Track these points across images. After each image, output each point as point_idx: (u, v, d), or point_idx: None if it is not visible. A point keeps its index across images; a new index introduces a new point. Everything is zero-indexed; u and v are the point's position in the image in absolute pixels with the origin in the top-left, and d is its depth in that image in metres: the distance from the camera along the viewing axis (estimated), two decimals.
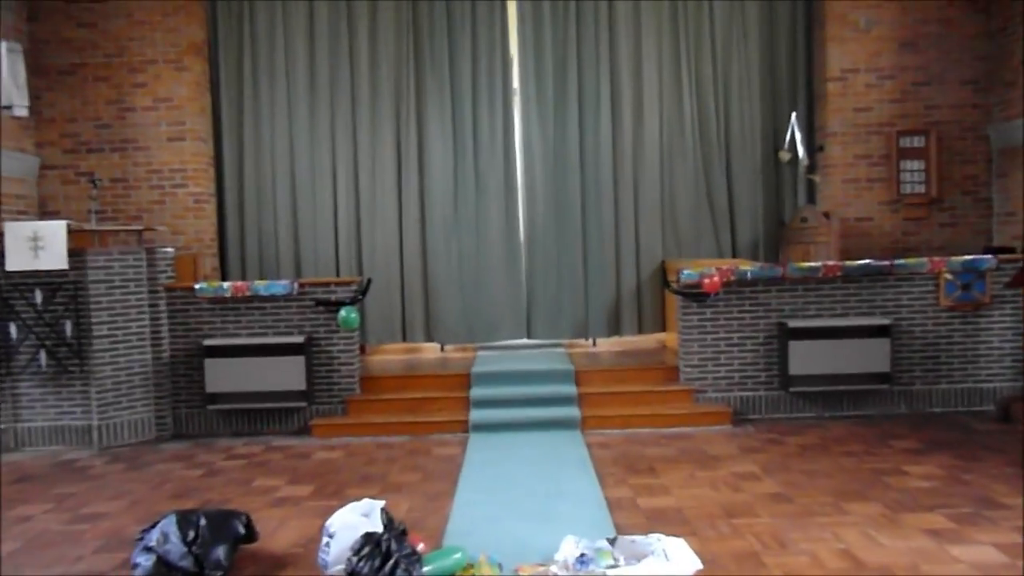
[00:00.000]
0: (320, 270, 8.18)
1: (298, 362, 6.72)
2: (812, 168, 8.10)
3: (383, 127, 8.17)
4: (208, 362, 6.72)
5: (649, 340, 8.61)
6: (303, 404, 6.78)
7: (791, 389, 6.70)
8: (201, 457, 6.21)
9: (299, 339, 6.74)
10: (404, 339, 8.34)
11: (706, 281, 6.64)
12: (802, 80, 8.21)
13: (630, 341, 8.58)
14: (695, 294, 6.77)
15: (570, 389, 6.88)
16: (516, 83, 8.27)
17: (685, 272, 6.80)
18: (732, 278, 6.75)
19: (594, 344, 8.58)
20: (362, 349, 8.30)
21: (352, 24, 8.13)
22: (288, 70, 8.14)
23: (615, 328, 8.31)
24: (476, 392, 6.89)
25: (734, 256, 8.35)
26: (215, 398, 6.76)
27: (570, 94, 8.18)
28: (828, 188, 7.92)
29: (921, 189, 7.73)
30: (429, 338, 8.34)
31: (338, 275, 8.21)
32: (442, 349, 8.52)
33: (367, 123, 8.17)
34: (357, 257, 8.27)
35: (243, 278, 8.16)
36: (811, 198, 8.25)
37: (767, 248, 8.36)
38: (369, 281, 7.21)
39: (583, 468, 5.51)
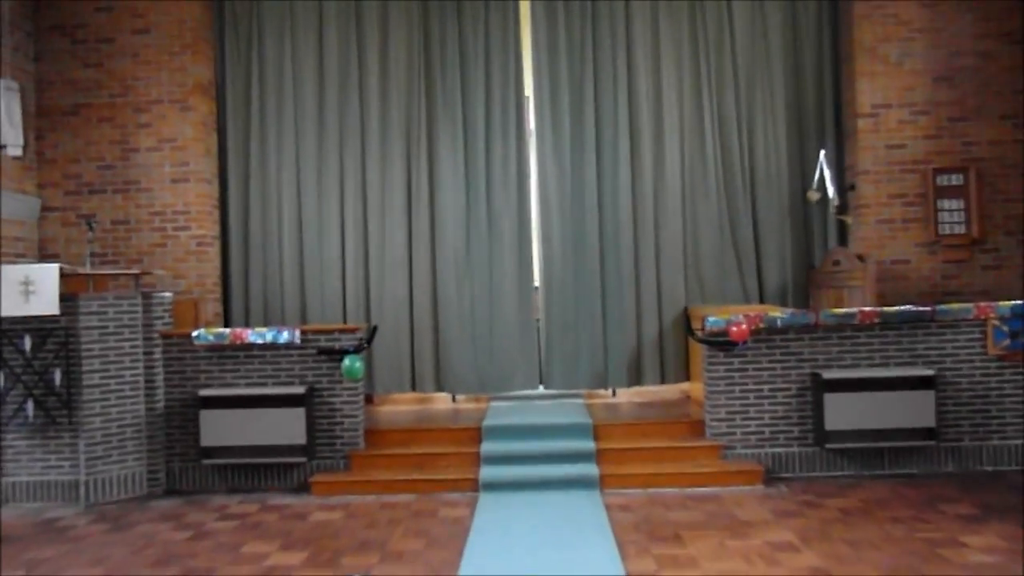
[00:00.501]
0: (327, 316, 7.83)
1: (299, 414, 6.33)
2: (843, 208, 7.68)
3: (393, 167, 7.89)
4: (204, 414, 6.34)
5: (672, 391, 8.13)
6: (303, 459, 6.36)
7: (827, 446, 6.19)
8: (191, 516, 5.79)
9: (300, 390, 6.36)
10: (413, 388, 7.93)
11: (733, 329, 6.20)
12: (830, 116, 7.84)
13: (651, 391, 8.10)
14: (722, 343, 6.33)
15: (588, 444, 6.41)
16: (531, 122, 7.98)
17: (711, 319, 6.36)
18: (761, 325, 6.31)
19: (613, 394, 8.11)
20: (369, 399, 7.93)
21: (362, 63, 7.91)
22: (296, 110, 7.92)
23: (636, 378, 7.85)
24: (487, 447, 6.44)
25: (761, 302, 7.90)
26: (210, 452, 6.37)
27: (587, 132, 7.87)
28: (861, 229, 7.48)
29: (961, 229, 7.28)
30: (439, 387, 7.92)
31: (345, 321, 7.87)
32: (453, 399, 8.09)
33: (376, 163, 7.90)
34: (365, 302, 7.92)
35: (247, 324, 7.83)
36: (842, 240, 7.81)
37: (796, 293, 7.91)
38: (375, 328, 6.84)
39: (602, 535, 5.02)
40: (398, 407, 7.93)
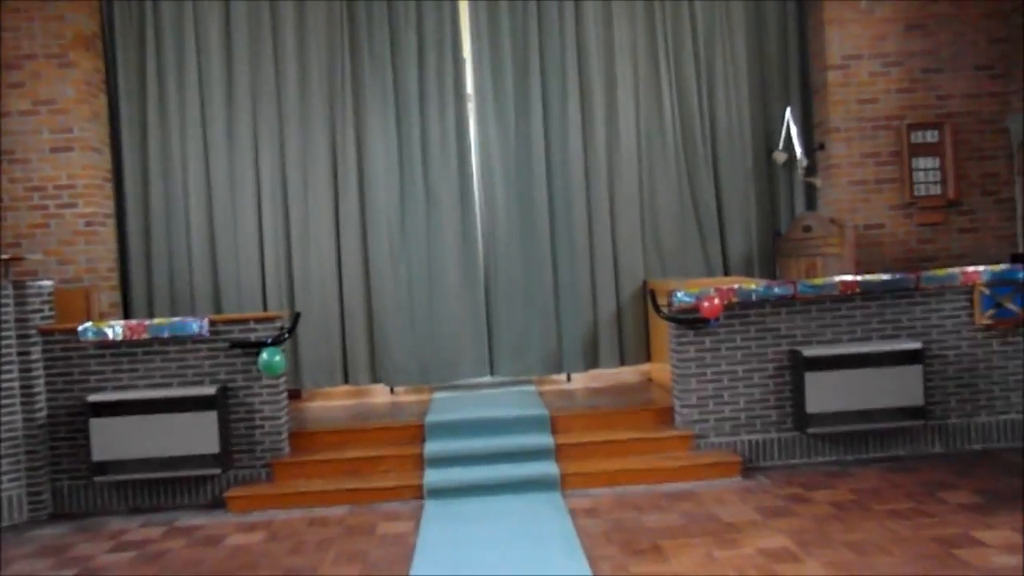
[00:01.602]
0: (244, 303, 6.89)
1: (209, 419, 5.41)
2: (811, 170, 7.09)
3: (315, 134, 6.95)
4: (95, 422, 5.37)
5: (631, 373, 7.49)
6: (216, 470, 5.46)
7: (809, 430, 5.60)
8: (79, 548, 4.85)
9: (210, 390, 5.44)
10: (346, 381, 7.07)
11: (704, 304, 5.53)
12: (795, 69, 7.22)
13: (610, 375, 7.43)
14: (691, 320, 5.66)
15: (545, 439, 5.68)
16: (470, 82, 7.13)
17: (679, 295, 5.68)
18: (734, 300, 5.66)
19: (568, 380, 7.40)
20: (297, 394, 7.05)
21: (276, 15, 6.92)
22: (200, 67, 6.89)
23: (593, 360, 7.15)
24: (432, 447, 5.65)
25: (726, 273, 7.28)
26: (104, 467, 5.41)
27: (532, 93, 7.07)
28: (832, 192, 6.90)
29: (937, 190, 6.77)
30: (375, 379, 7.08)
31: (265, 308, 6.94)
32: (392, 391, 7.27)
33: (296, 127, 6.95)
34: (288, 287, 6.99)
35: (150, 315, 6.83)
36: (811, 204, 7.24)
37: (762, 263, 7.31)
38: (298, 315, 5.95)
39: (568, 549, 4.30)
40: (329, 402, 7.07)
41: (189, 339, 5.56)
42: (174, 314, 6.85)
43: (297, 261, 6.94)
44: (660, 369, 6.91)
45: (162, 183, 6.88)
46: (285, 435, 5.73)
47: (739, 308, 5.71)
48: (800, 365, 5.59)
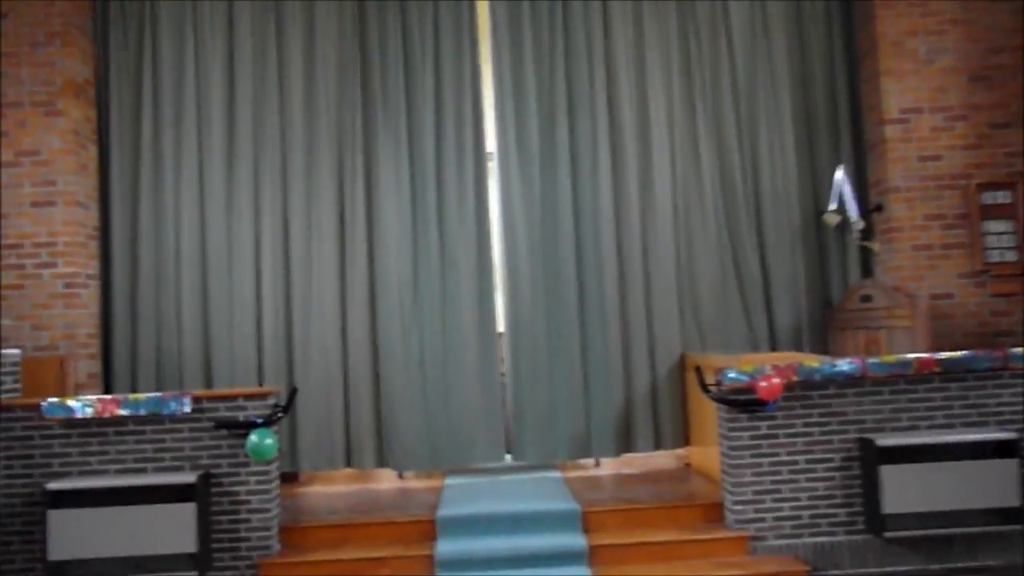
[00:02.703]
0: (238, 377, 6.20)
1: (187, 511, 4.67)
2: (868, 233, 6.42)
3: (321, 190, 6.37)
4: (53, 515, 4.63)
5: (667, 458, 6.72)
6: (193, 574, 4.67)
7: (886, 534, 4.77)
8: None
9: (190, 478, 4.70)
10: (348, 464, 6.30)
11: (762, 384, 4.79)
12: (846, 124, 6.61)
13: (642, 460, 6.67)
14: (745, 402, 4.91)
15: (576, 540, 4.88)
16: (492, 136, 6.58)
17: (731, 373, 4.95)
18: (794, 379, 4.92)
19: (597, 464, 6.61)
20: (293, 477, 6.30)
21: (283, 62, 6.44)
22: (200, 118, 6.37)
23: (625, 444, 6.36)
24: (444, 548, 4.85)
25: (772, 347, 6.55)
26: (63, 568, 4.64)
27: (559, 149, 6.48)
28: (892, 258, 6.20)
29: (1012, 256, 6.06)
30: (381, 462, 6.30)
31: (261, 382, 6.24)
32: (400, 476, 6.49)
33: (301, 185, 6.37)
34: (287, 358, 6.30)
35: (133, 387, 6.15)
36: (867, 271, 6.54)
37: (812, 336, 6.57)
38: (294, 391, 5.25)
39: None
40: (329, 488, 6.29)
41: (169, 418, 4.86)
42: (160, 387, 6.17)
43: (298, 330, 6.27)
44: (701, 454, 6.13)
45: (152, 242, 6.28)
46: (275, 530, 4.96)
47: (799, 388, 4.97)
48: (873, 456, 4.81)
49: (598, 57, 6.51)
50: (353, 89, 6.42)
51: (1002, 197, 6.08)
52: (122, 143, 6.32)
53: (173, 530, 4.65)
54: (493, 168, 6.59)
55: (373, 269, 6.36)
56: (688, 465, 6.49)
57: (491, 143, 6.60)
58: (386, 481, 6.43)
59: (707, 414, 5.81)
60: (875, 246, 6.38)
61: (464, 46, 6.51)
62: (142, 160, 6.30)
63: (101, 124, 6.33)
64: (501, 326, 6.47)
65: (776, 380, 4.79)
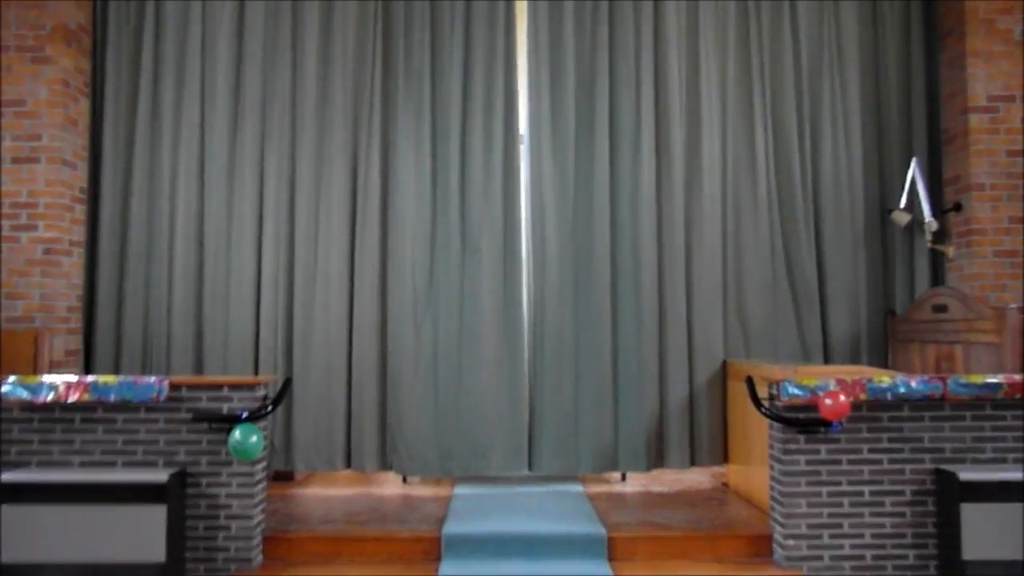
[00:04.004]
0: (231, 362, 5.61)
1: (156, 514, 4.07)
2: (941, 236, 5.70)
3: (333, 162, 5.76)
4: (7, 511, 4.06)
5: (701, 475, 6.05)
6: None
7: None
8: None
9: (161, 476, 4.10)
10: (349, 465, 5.69)
11: (826, 402, 4.10)
12: (920, 112, 5.89)
13: (673, 476, 6.01)
14: (806, 422, 4.23)
15: (601, 570, 4.23)
16: (524, 112, 5.93)
17: (789, 386, 4.26)
18: (862, 397, 4.23)
19: (623, 479, 5.96)
20: (289, 476, 5.71)
21: (298, 15, 5.83)
22: (204, 77, 5.79)
23: (657, 458, 5.70)
24: (448, 571, 4.22)
25: (826, 359, 5.86)
26: (16, 573, 4.07)
27: (598, 128, 5.82)
28: (970, 264, 5.48)
29: None
30: (385, 465, 5.69)
31: (257, 368, 5.65)
32: (405, 481, 5.88)
33: (311, 155, 5.77)
34: (286, 344, 5.70)
35: (116, 368, 5.58)
36: (937, 278, 5.82)
37: (872, 348, 5.87)
38: (288, 382, 4.62)
39: None
40: (327, 490, 5.68)
41: (143, 405, 4.27)
42: (145, 370, 5.60)
43: (299, 313, 5.67)
44: (741, 474, 5.46)
45: (145, 209, 5.71)
46: (257, 540, 4.36)
47: (867, 409, 4.29)
48: (953, 492, 4.11)
49: (646, 26, 5.84)
50: (373, 53, 5.80)
51: None
52: (117, 99, 5.75)
53: (140, 535, 4.06)
54: (524, 147, 5.94)
55: (386, 252, 5.74)
56: (726, 485, 5.82)
57: (523, 119, 5.95)
58: (389, 486, 5.82)
59: (752, 430, 5.16)
60: (949, 250, 5.66)
61: (498, 9, 5.87)
62: (138, 119, 5.73)
63: (95, 76, 5.76)
64: (526, 323, 5.82)
65: (843, 398, 4.10)
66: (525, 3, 5.91)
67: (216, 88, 5.74)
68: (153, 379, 4.26)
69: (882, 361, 5.84)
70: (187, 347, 5.64)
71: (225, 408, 4.31)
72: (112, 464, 4.26)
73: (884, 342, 5.89)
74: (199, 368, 5.62)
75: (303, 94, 5.76)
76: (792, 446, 4.30)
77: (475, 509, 4.95)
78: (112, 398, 4.22)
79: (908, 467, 4.28)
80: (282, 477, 5.93)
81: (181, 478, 4.22)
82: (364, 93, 5.80)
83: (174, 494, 4.13)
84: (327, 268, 5.68)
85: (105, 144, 5.71)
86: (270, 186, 5.72)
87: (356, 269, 5.70)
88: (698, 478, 6.06)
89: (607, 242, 5.76)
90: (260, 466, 4.41)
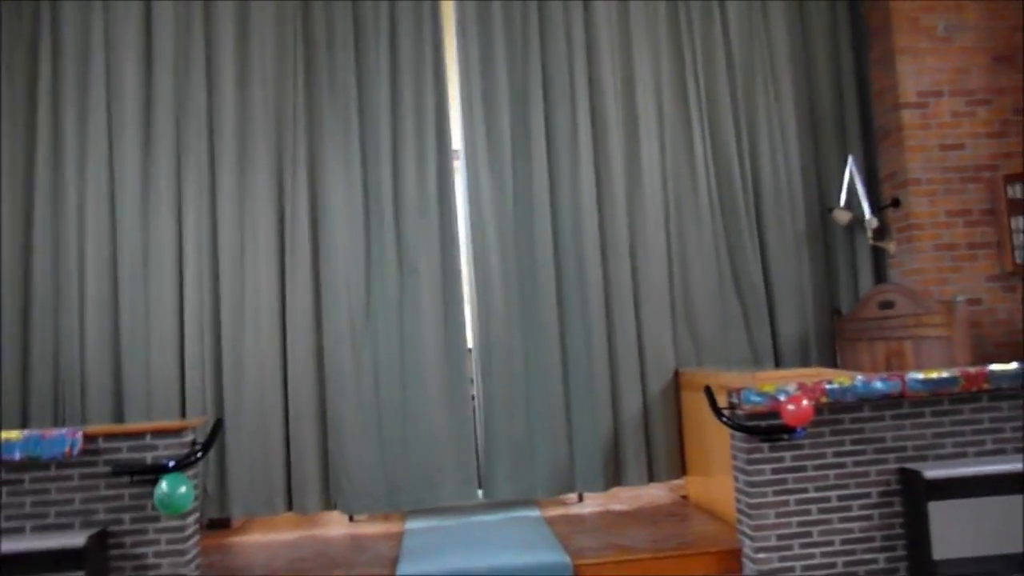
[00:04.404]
0: (155, 409, 5.18)
1: None
2: (882, 233, 5.71)
3: (256, 185, 5.42)
4: None
5: (659, 490, 5.90)
6: None
7: None
8: None
9: (78, 540, 3.68)
10: (290, 507, 5.32)
11: (789, 408, 3.97)
12: (853, 109, 5.92)
13: (630, 494, 5.84)
14: (768, 429, 4.10)
15: None
16: (457, 126, 5.71)
17: (750, 394, 4.13)
18: (823, 400, 4.12)
19: (580, 499, 5.75)
20: (225, 524, 5.30)
21: (211, 27, 5.48)
22: (110, 97, 5.38)
23: (615, 476, 5.50)
24: None
25: (777, 362, 5.79)
26: None
27: (535, 140, 5.64)
28: (912, 259, 5.50)
29: None
30: (329, 504, 5.34)
31: (184, 413, 5.24)
32: (351, 520, 5.54)
33: (232, 178, 5.41)
34: (215, 383, 5.30)
35: (23, 422, 5.09)
36: (880, 275, 5.83)
37: (821, 349, 5.83)
38: (219, 423, 4.25)
39: None
40: (267, 536, 5.29)
41: (54, 462, 3.85)
42: (58, 420, 5.13)
43: (228, 347, 5.28)
44: (701, 486, 5.32)
45: (50, 241, 5.24)
46: None
47: (828, 411, 4.18)
48: (920, 491, 4.02)
49: (577, 32, 5.70)
50: (295, 66, 5.50)
51: None
52: (13, 119, 5.27)
53: None
54: (459, 162, 5.72)
55: (318, 277, 5.42)
56: (685, 498, 5.67)
57: (456, 132, 5.73)
58: (335, 526, 5.46)
59: (709, 440, 5.02)
60: (891, 246, 5.67)
61: (424, 20, 5.65)
62: (38, 141, 5.27)
63: None
64: (469, 342, 5.57)
65: (805, 402, 3.98)
66: (453, 16, 5.70)
67: (124, 109, 5.33)
68: (64, 431, 3.84)
69: (831, 361, 5.80)
70: (104, 393, 5.19)
71: (149, 458, 3.92)
72: (20, 531, 3.81)
73: (832, 342, 5.86)
74: (119, 416, 5.17)
75: (220, 114, 5.41)
76: (757, 455, 4.15)
77: (430, 545, 4.65)
78: (17, 456, 3.78)
79: (873, 468, 4.18)
80: (218, 525, 5.51)
81: (101, 540, 3.81)
82: (287, 110, 5.49)
83: (93, 558, 3.72)
84: (256, 298, 5.32)
85: (2, 172, 5.23)
86: (189, 214, 5.34)
87: (287, 297, 5.36)
88: (656, 493, 5.90)
89: (550, 256, 5.57)
90: (191, 518, 4.03)
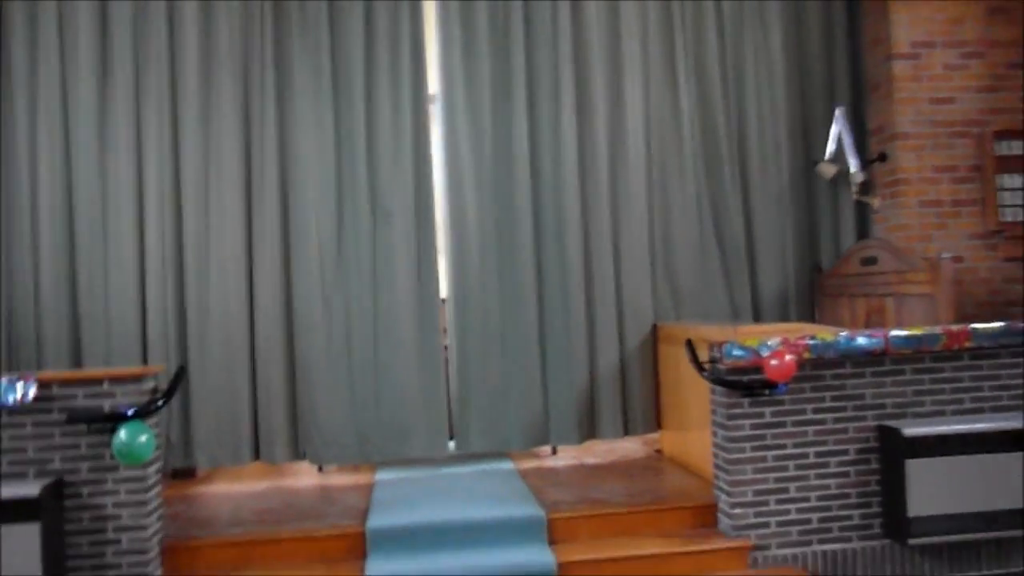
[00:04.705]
0: (115, 358, 4.99)
1: (29, 534, 3.50)
2: (867, 187, 5.61)
3: (222, 123, 5.17)
4: None
5: (633, 444, 5.85)
6: None
7: (911, 541, 3.98)
8: None
9: (32, 489, 3.52)
10: (257, 457, 5.19)
11: (772, 363, 3.89)
12: (843, 60, 5.75)
13: (604, 447, 5.79)
14: (751, 385, 4.02)
15: (543, 557, 3.93)
16: (434, 68, 5.46)
17: (732, 348, 4.03)
18: (806, 356, 4.05)
19: (554, 452, 5.68)
20: (191, 473, 5.17)
21: None
22: (63, 25, 5.05)
23: (589, 429, 5.44)
24: (375, 571, 3.82)
25: (756, 317, 5.71)
26: None
27: (515, 85, 5.41)
28: (897, 215, 5.41)
29: None
30: (297, 454, 5.22)
31: (146, 360, 5.04)
32: (320, 470, 5.43)
33: (195, 115, 5.15)
34: (179, 330, 5.12)
35: None
36: (863, 230, 5.75)
37: (800, 305, 5.77)
38: (181, 370, 4.08)
39: None
40: (235, 486, 5.17)
41: (5, 409, 3.66)
42: (13, 368, 4.91)
43: (192, 295, 5.08)
44: (676, 440, 5.30)
45: (1, 189, 4.97)
46: (154, 552, 3.84)
47: (809, 367, 4.11)
48: (898, 448, 3.99)
49: None
50: (260, 20, 5.20)
51: (1019, 147, 5.33)
52: None
53: (11, 561, 3.48)
54: (436, 106, 5.48)
55: (287, 221, 5.21)
56: (659, 452, 5.63)
57: (433, 75, 5.48)
58: (304, 477, 5.34)
59: (685, 394, 4.96)
60: (875, 202, 5.57)
61: None
62: None
63: None
64: (444, 292, 5.42)
65: (788, 357, 3.90)
66: None
67: (78, 40, 5.02)
68: (16, 376, 3.65)
69: (810, 317, 5.74)
70: (61, 343, 4.98)
71: (107, 405, 3.74)
72: None
73: (811, 298, 5.79)
74: (77, 364, 4.97)
75: (182, 48, 5.12)
76: (736, 411, 4.08)
77: (401, 497, 4.56)
78: None
79: (852, 425, 4.13)
80: (182, 474, 5.37)
81: (57, 489, 3.65)
82: (254, 46, 5.21)
83: (49, 508, 3.56)
84: (220, 243, 5.11)
85: None
86: (149, 152, 5.08)
87: (255, 242, 5.16)
88: (631, 447, 5.85)
89: (529, 204, 5.41)
90: (153, 468, 3.88)
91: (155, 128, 5.09)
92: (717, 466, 4.22)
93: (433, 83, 5.46)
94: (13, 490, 3.51)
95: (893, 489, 4.03)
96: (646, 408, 5.50)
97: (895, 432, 4.01)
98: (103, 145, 5.06)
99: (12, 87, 4.98)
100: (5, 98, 4.97)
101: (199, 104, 5.13)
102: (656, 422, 5.54)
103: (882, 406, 4.15)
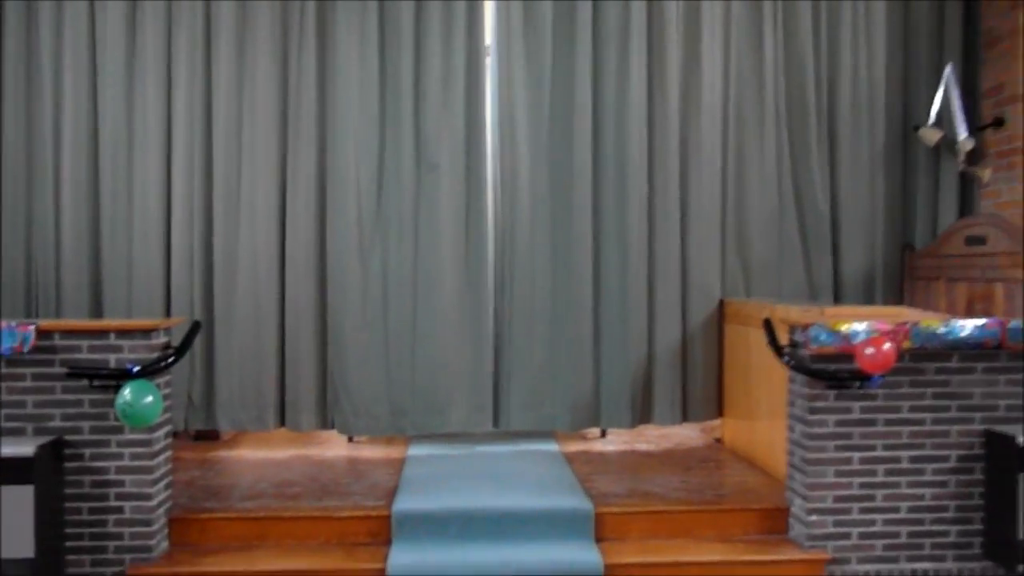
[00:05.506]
0: (137, 307, 4.68)
1: (21, 497, 3.17)
2: (976, 157, 4.93)
3: (257, 58, 4.75)
4: None
5: (689, 430, 5.35)
6: None
7: (1021, 567, 3.41)
8: None
9: (27, 449, 3.19)
10: (283, 423, 4.83)
11: (867, 351, 3.33)
12: (955, 10, 5.04)
13: (658, 432, 5.29)
14: (838, 374, 3.47)
15: (587, 556, 3.47)
16: (491, 20, 4.95)
17: (819, 332, 3.48)
18: (906, 344, 3.47)
19: (603, 435, 5.21)
20: (214, 436, 4.85)
21: None
22: None
23: (645, 412, 4.94)
24: (399, 559, 3.42)
25: (837, 298, 5.12)
26: None
27: (579, 28, 4.87)
28: (1011, 190, 4.73)
29: None
30: (325, 422, 4.84)
31: (169, 311, 4.70)
32: (350, 440, 5.05)
33: (229, 49, 4.73)
34: (204, 281, 4.76)
35: None
36: (965, 206, 5.08)
37: (887, 286, 5.15)
38: (195, 325, 3.70)
39: None
40: (259, 452, 4.83)
41: (2, 359, 3.32)
42: (31, 316, 4.62)
43: (220, 242, 4.72)
44: (740, 430, 4.77)
45: (22, 119, 4.67)
46: (160, 524, 3.50)
47: (909, 359, 3.54)
48: (1010, 458, 3.41)
49: None
50: None
51: None
52: None
53: (4, 524, 3.16)
54: (491, 56, 4.97)
55: (324, 168, 4.79)
56: (719, 441, 5.11)
57: (489, 23, 4.97)
58: (332, 446, 4.98)
59: (754, 379, 4.44)
60: (985, 174, 4.89)
61: None
62: (6, 7, 4.60)
63: None
64: (492, 255, 4.95)
65: (888, 346, 3.33)
66: None
67: None
68: (15, 323, 3.30)
69: (897, 301, 5.12)
70: (82, 288, 4.67)
71: (113, 360, 3.38)
72: None
73: (900, 280, 5.16)
74: (97, 313, 4.67)
75: None
76: (819, 404, 3.54)
77: (433, 477, 4.14)
78: None
79: (955, 428, 3.56)
80: (206, 436, 5.05)
81: (55, 449, 3.31)
82: None
83: (44, 470, 3.23)
84: (252, 188, 4.72)
85: None
86: (180, 88, 4.70)
87: (288, 189, 4.76)
88: (687, 433, 5.34)
89: (589, 164, 4.88)
90: (161, 432, 3.52)
91: (186, 60, 4.70)
92: (792, 465, 3.70)
93: (489, 26, 4.94)
94: (6, 448, 3.18)
95: (1001, 505, 3.46)
96: (708, 392, 4.98)
97: (1008, 439, 3.42)
98: (130, 79, 4.70)
99: (37, 20, 4.63)
100: (30, 31, 4.63)
101: (233, 37, 4.72)
102: (718, 408, 5.02)
103: (993, 408, 3.57)
